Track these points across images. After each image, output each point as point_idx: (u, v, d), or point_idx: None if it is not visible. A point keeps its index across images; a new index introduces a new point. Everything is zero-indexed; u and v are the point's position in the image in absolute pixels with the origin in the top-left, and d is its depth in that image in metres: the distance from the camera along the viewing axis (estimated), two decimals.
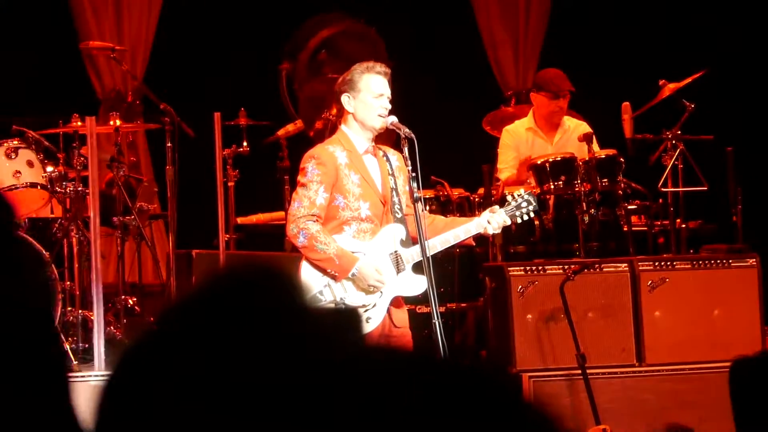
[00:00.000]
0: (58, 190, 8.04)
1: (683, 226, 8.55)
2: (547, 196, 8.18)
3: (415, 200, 6.30)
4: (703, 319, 7.77)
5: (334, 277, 6.25)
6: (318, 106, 9.10)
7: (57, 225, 8.20)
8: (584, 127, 8.75)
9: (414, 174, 6.31)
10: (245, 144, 9.46)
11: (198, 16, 10.58)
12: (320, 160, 6.30)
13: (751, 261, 7.96)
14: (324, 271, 6.24)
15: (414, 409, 1.36)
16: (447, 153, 9.42)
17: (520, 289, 7.61)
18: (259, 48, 10.19)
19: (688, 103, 8.53)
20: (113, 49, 9.09)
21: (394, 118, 6.34)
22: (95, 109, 9.96)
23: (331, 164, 6.28)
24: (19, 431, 1.69)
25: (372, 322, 6.29)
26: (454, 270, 8.33)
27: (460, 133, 10.17)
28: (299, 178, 6.37)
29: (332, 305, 6.20)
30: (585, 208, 8.07)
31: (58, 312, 7.71)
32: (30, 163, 8.01)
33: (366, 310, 6.28)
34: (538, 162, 8.26)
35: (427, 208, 6.76)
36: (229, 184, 9.29)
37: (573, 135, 8.71)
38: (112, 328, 8.07)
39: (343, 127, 6.43)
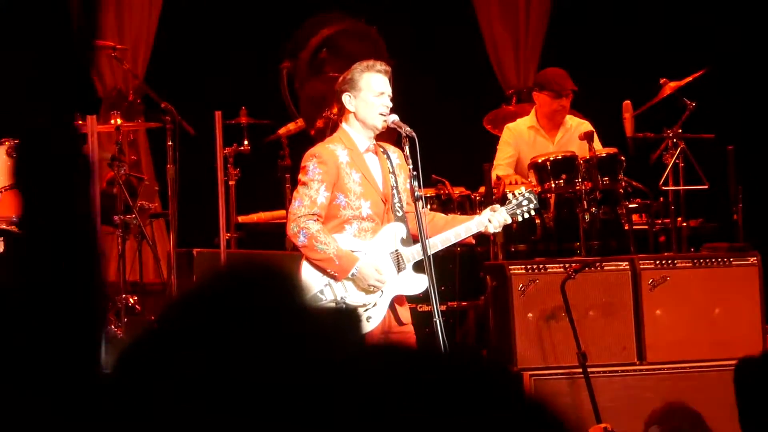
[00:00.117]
0: None
1: (684, 224, 8.55)
2: (548, 195, 8.17)
3: (416, 199, 6.30)
4: (704, 318, 7.77)
5: (334, 277, 6.25)
6: (319, 104, 9.10)
7: None
8: (586, 126, 8.75)
9: (415, 173, 6.31)
10: (246, 143, 9.46)
11: (199, 15, 10.58)
12: (321, 158, 6.30)
13: (752, 259, 7.96)
14: (324, 271, 6.24)
15: (414, 408, 1.37)
16: (448, 152, 9.43)
17: (521, 287, 7.61)
18: (259, 47, 10.18)
19: (689, 102, 8.52)
20: (114, 47, 9.10)
21: (395, 117, 6.34)
22: (96, 108, 9.96)
23: (332, 163, 6.28)
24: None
25: (372, 321, 6.29)
26: (455, 268, 8.33)
27: (461, 131, 10.17)
28: (300, 176, 6.37)
29: (333, 304, 6.20)
30: (586, 207, 8.06)
31: None
32: None
33: (366, 310, 6.28)
34: (539, 160, 8.26)
35: (428, 206, 6.75)
36: (230, 182, 9.29)
37: (574, 134, 8.71)
38: (113, 327, 8.07)
39: (344, 125, 6.43)
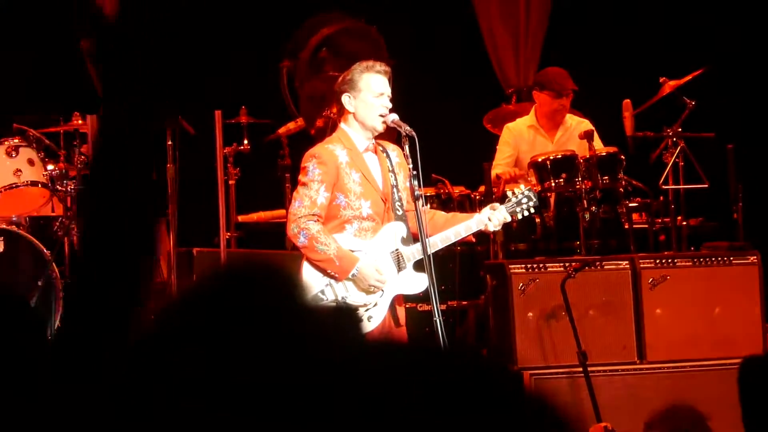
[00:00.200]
0: (59, 188, 8.05)
1: (684, 223, 8.55)
2: (548, 194, 8.18)
3: (416, 198, 6.30)
4: (704, 317, 7.77)
5: (334, 278, 6.25)
6: (319, 104, 9.10)
7: (58, 223, 8.20)
8: (586, 125, 8.75)
9: (415, 172, 6.31)
10: (246, 142, 9.46)
11: (199, 14, 10.57)
12: (321, 159, 6.30)
13: (752, 258, 7.96)
14: (324, 272, 6.24)
15: (414, 408, 1.37)
16: (448, 151, 9.42)
17: (521, 286, 7.61)
18: (259, 46, 10.18)
19: (688, 101, 8.52)
20: None
21: (395, 116, 6.34)
22: (96, 108, 9.95)
23: (332, 163, 6.28)
24: None
25: (373, 321, 6.30)
26: (455, 268, 8.33)
27: (461, 131, 10.16)
28: (300, 177, 6.37)
29: (333, 304, 6.20)
30: (586, 206, 8.06)
31: (59, 311, 7.72)
32: (31, 162, 8.01)
33: (367, 309, 6.28)
34: (539, 159, 8.26)
35: (428, 205, 6.75)
36: (230, 182, 9.29)
37: (574, 133, 8.71)
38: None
39: (343, 125, 6.43)
